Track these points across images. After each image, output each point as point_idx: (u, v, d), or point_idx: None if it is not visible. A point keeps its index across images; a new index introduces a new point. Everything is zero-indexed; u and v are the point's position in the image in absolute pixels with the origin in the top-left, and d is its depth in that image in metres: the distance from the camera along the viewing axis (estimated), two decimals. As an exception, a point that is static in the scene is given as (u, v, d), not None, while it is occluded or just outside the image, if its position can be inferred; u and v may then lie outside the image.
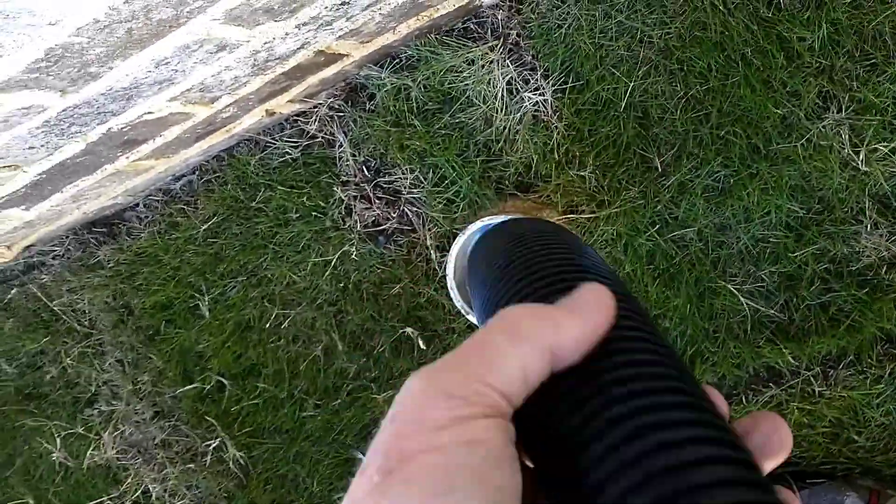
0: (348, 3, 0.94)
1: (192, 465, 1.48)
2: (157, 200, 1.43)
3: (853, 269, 1.18)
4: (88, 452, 1.50)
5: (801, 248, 1.19)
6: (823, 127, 1.14)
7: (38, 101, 0.81)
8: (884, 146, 1.13)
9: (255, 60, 0.99)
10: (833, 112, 1.14)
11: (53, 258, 1.49)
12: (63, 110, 0.87)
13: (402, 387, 0.27)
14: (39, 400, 1.53)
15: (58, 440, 1.52)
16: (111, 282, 1.44)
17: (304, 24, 0.94)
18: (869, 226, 1.16)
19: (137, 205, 1.45)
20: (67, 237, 1.48)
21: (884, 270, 1.17)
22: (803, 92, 1.14)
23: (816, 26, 1.11)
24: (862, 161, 1.14)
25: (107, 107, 0.91)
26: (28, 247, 1.49)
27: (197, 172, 1.41)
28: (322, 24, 0.97)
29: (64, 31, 0.68)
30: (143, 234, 1.42)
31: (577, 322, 0.30)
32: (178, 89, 0.97)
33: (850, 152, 1.14)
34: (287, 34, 0.95)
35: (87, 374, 1.50)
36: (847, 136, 1.14)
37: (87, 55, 0.75)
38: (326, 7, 0.92)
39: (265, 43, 0.95)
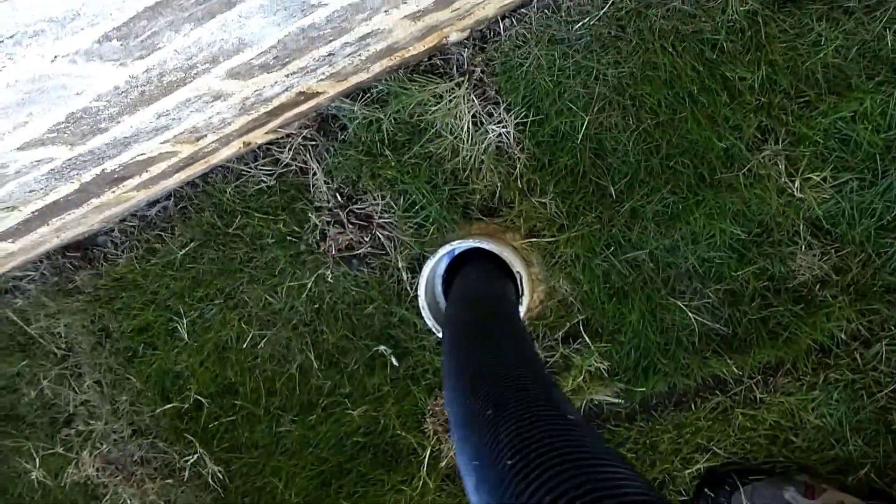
0: (334, 54, 1.01)
1: (170, 481, 1.53)
2: (133, 226, 1.48)
3: (790, 286, 1.30)
4: (67, 471, 1.54)
5: (743, 268, 1.30)
6: (762, 158, 1.25)
7: (49, 154, 0.87)
8: (816, 175, 1.25)
9: (243, 105, 1.06)
10: (771, 144, 1.25)
11: (28, 283, 1.52)
12: (68, 159, 0.92)
13: None
14: (17, 421, 1.57)
15: (37, 459, 1.55)
16: (89, 306, 1.48)
17: (293, 73, 1.01)
18: (803, 247, 1.28)
19: (112, 230, 1.50)
20: (41, 262, 1.52)
21: (817, 287, 1.28)
22: (744, 126, 1.25)
23: (756, 67, 1.22)
24: (797, 188, 1.25)
25: (106, 153, 0.97)
26: (2, 273, 1.52)
27: (172, 198, 1.46)
28: (308, 71, 1.04)
29: (87, 98, 0.74)
30: (120, 260, 1.47)
31: None
32: (172, 133, 1.03)
33: (787, 181, 1.26)
34: (276, 82, 1.02)
35: (65, 396, 1.54)
36: (783, 166, 1.25)
37: (101, 115, 0.81)
38: (314, 59, 0.99)
39: (256, 91, 1.01)
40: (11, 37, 0.53)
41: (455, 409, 0.65)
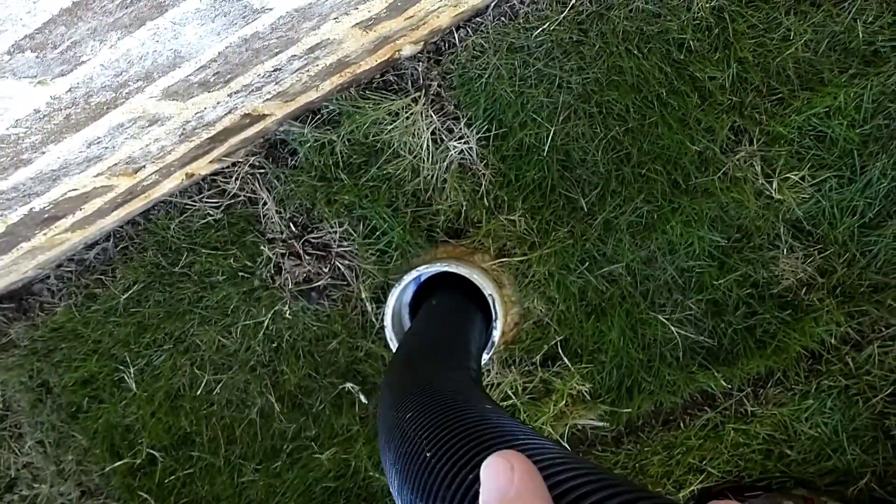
0: (280, 69, 0.93)
1: (125, 544, 1.41)
2: (70, 271, 1.36)
3: (774, 291, 1.24)
4: (11, 542, 1.41)
5: (724, 276, 1.24)
6: (738, 160, 1.20)
7: (-37, 195, 0.76)
8: (794, 174, 1.19)
9: (183, 130, 0.96)
10: (745, 145, 1.19)
11: (-42, 340, 1.40)
12: (-13, 200, 0.82)
13: None
14: (-48, 491, 1.43)
15: (-24, 533, 1.42)
16: (26, 360, 1.36)
17: (237, 91, 0.92)
18: (785, 250, 1.22)
19: (48, 276, 1.38)
20: (-28, 316, 1.40)
21: (803, 291, 1.23)
22: (717, 128, 1.19)
23: (726, 65, 1.17)
24: (775, 190, 1.20)
25: (33, 189, 0.87)
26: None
27: (112, 239, 1.35)
28: (253, 90, 0.96)
29: (3, 124, 0.65)
30: (57, 308, 1.35)
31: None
32: (106, 164, 0.93)
33: (764, 182, 1.20)
34: (218, 103, 0.93)
35: (5, 459, 1.41)
36: (760, 168, 1.20)
37: (22, 144, 0.72)
38: (259, 75, 0.91)
39: (196, 113, 0.92)
40: None
41: (382, 423, 0.64)
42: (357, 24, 0.92)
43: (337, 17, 0.85)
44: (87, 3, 0.52)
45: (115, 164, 0.95)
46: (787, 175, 1.19)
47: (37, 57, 0.56)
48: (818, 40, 1.17)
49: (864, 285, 1.22)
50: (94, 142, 0.82)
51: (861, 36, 1.15)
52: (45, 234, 1.10)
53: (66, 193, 0.96)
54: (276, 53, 0.87)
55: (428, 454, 0.46)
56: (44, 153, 0.77)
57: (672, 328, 1.25)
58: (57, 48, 0.57)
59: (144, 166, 1.05)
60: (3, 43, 0.52)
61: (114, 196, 1.10)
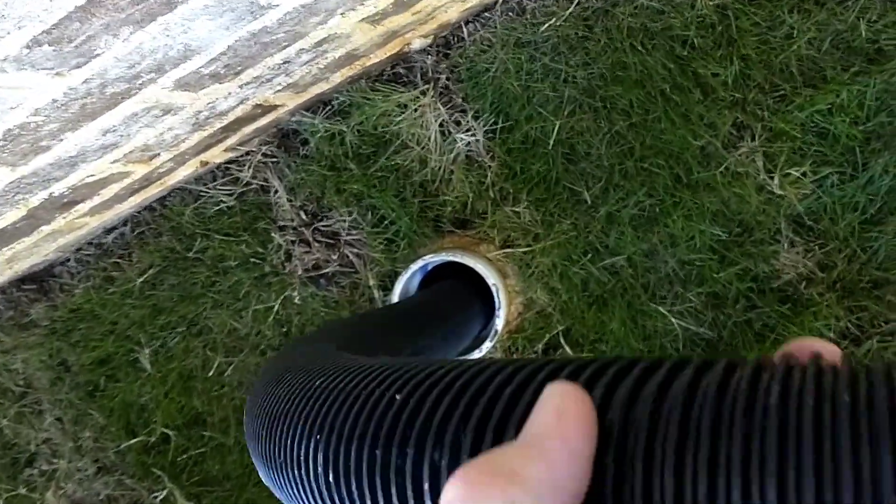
0: (289, 61, 0.96)
1: (139, 520, 1.46)
2: (89, 255, 1.41)
3: (774, 286, 1.25)
4: (30, 515, 1.47)
5: (724, 269, 1.26)
6: (739, 155, 1.22)
7: (-15, 179, 0.80)
8: (795, 170, 1.21)
9: (196, 119, 1.00)
10: (748, 141, 1.21)
11: (-19, 319, 1.45)
12: (10, 182, 0.86)
13: None
14: (-26, 464, 1.49)
15: (-3, 504, 1.48)
16: (47, 340, 1.41)
17: (247, 83, 0.96)
18: (786, 244, 1.24)
19: (68, 259, 1.43)
20: (-5, 296, 1.45)
21: (803, 286, 1.25)
22: (719, 124, 1.21)
23: (728, 62, 1.19)
24: (776, 185, 1.21)
25: (52, 174, 0.91)
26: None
27: (129, 224, 1.40)
28: (263, 81, 0.99)
29: (23, 112, 0.69)
30: (76, 290, 1.40)
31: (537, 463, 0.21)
32: (122, 152, 0.97)
33: (765, 178, 1.22)
34: (230, 93, 0.97)
35: (26, 434, 1.46)
36: (761, 163, 1.22)
37: (41, 131, 0.76)
38: (269, 67, 0.94)
39: (208, 103, 0.96)
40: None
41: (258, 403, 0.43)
42: (364, 18, 0.95)
43: (343, 13, 0.88)
44: (100, 1, 0.56)
45: (131, 152, 0.99)
46: (789, 171, 1.21)
47: (54, 50, 0.60)
48: (821, 38, 1.18)
49: (864, 281, 1.24)
50: (109, 130, 0.86)
51: (864, 34, 1.17)
52: (64, 217, 1.14)
53: (84, 179, 1.00)
54: (285, 47, 0.90)
55: (397, 396, 0.31)
56: (62, 140, 0.81)
57: (672, 320, 1.28)
58: (73, 42, 0.61)
59: (159, 154, 1.09)
60: (23, 38, 0.55)
61: (130, 182, 1.15)
